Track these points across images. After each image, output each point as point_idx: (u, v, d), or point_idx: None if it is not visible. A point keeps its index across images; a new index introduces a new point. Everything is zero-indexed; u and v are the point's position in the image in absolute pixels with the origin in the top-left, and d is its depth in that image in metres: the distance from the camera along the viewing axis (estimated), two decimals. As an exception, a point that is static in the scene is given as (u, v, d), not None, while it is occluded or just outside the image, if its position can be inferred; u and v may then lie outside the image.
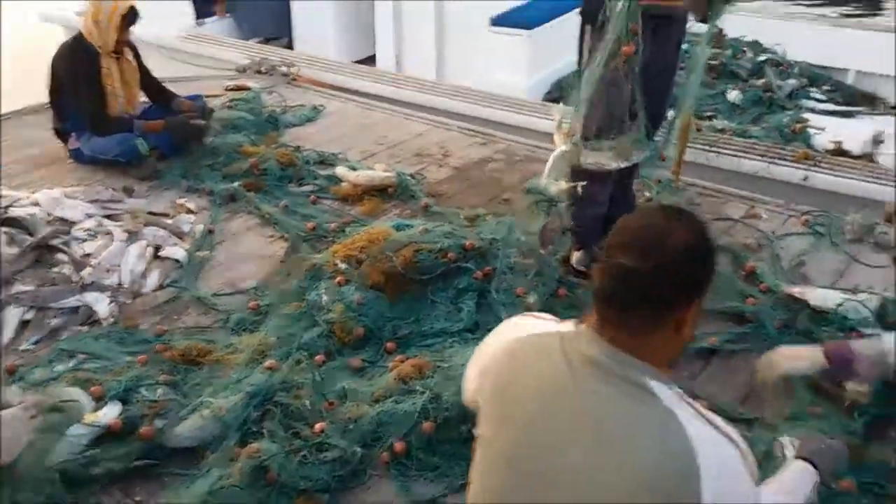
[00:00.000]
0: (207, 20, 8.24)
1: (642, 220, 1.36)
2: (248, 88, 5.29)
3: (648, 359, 1.33)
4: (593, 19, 2.86)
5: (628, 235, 1.33)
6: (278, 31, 8.46)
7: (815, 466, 1.71)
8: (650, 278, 1.29)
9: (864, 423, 2.41)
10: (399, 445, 2.33)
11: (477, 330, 2.89)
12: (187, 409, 2.44)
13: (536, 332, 1.48)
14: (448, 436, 2.36)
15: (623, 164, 3.09)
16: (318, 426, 2.37)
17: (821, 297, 2.89)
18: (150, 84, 4.52)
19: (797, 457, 1.75)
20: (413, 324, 2.92)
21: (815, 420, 2.40)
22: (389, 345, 2.82)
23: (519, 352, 1.47)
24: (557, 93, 6.82)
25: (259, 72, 5.92)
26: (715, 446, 1.29)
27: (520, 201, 3.92)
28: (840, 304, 2.80)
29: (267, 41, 8.30)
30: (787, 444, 1.89)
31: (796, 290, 2.97)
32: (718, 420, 1.35)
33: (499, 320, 2.87)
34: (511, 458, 1.39)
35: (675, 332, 1.35)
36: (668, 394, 1.32)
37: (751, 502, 1.34)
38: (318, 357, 2.71)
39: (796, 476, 1.67)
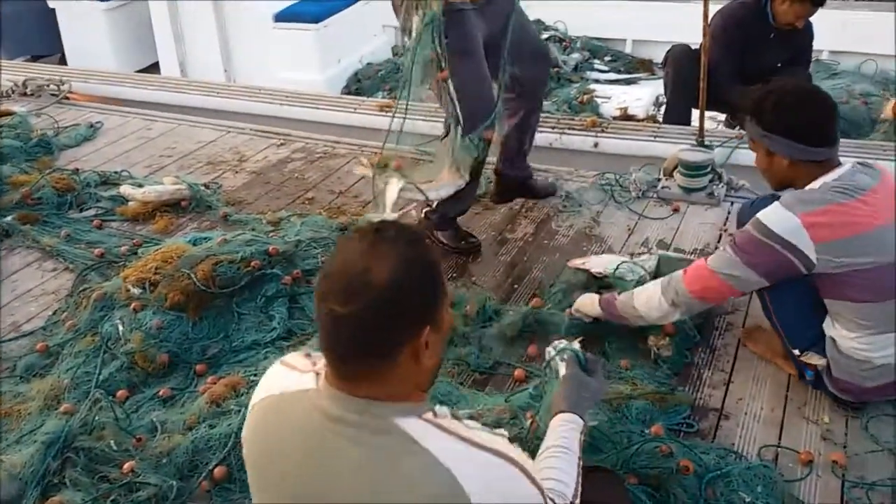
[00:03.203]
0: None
1: (346, 254, 1.23)
2: (12, 113, 4.83)
3: (394, 395, 1.24)
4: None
5: (334, 278, 1.21)
6: (48, 47, 7.79)
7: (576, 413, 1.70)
8: (360, 322, 1.18)
9: (669, 370, 2.57)
10: (219, 470, 2.21)
11: (291, 337, 2.82)
12: (-24, 472, 2.20)
13: (281, 394, 1.35)
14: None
15: (458, 186, 2.99)
16: (126, 466, 2.20)
17: (601, 263, 2.95)
18: None
19: (556, 412, 1.72)
20: (222, 340, 2.79)
21: (626, 373, 2.53)
22: (199, 367, 2.67)
23: (262, 420, 1.37)
24: (355, 86, 6.80)
25: (25, 94, 5.43)
26: (486, 474, 1.22)
27: (324, 199, 3.88)
28: (616, 268, 2.86)
29: (35, 59, 7.65)
30: (561, 365, 1.91)
31: (578, 263, 3.03)
32: (484, 436, 1.27)
33: (313, 323, 2.84)
34: None
35: (415, 363, 1.24)
36: (421, 429, 1.23)
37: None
38: (119, 393, 2.53)
39: (565, 435, 1.64)
